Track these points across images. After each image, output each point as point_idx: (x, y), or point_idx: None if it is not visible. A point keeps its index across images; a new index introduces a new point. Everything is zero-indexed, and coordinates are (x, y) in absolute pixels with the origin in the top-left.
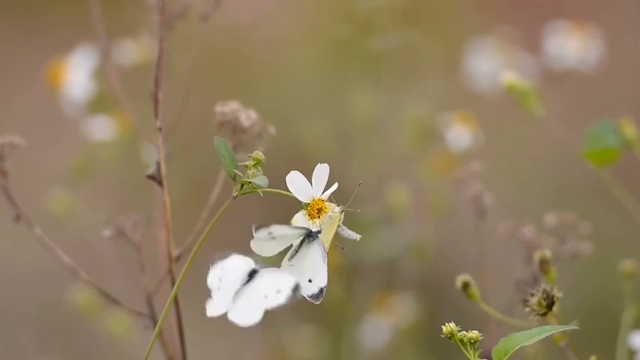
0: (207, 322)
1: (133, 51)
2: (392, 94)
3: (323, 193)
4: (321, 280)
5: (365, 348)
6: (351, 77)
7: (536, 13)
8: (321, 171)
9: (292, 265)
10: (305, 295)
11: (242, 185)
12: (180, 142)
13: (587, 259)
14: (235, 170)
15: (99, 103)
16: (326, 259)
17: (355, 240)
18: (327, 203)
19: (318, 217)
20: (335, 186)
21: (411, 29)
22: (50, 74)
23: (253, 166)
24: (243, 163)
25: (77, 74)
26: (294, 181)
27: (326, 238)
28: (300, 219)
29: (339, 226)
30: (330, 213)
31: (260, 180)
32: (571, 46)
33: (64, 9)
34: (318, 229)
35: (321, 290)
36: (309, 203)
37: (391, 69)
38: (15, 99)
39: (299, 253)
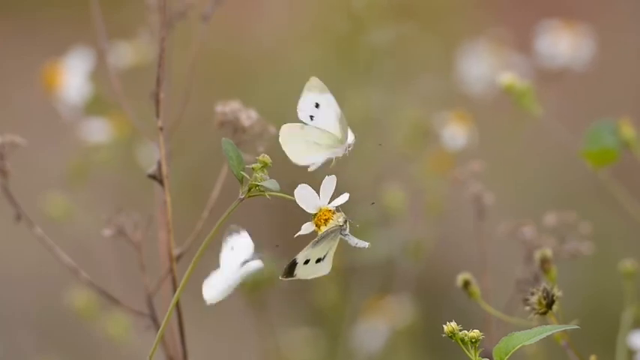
0: (208, 322)
1: (130, 52)
2: (389, 94)
3: (331, 202)
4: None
5: (361, 350)
6: (349, 77)
7: (537, 12)
8: (328, 183)
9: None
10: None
11: (249, 188)
12: (180, 141)
13: (587, 259)
14: (242, 172)
15: (95, 105)
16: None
17: (364, 247)
18: (333, 213)
19: (325, 226)
20: (346, 197)
21: (409, 27)
22: (46, 77)
23: (260, 169)
24: (249, 166)
25: (73, 77)
26: (302, 195)
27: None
28: (307, 228)
29: (345, 235)
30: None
31: (270, 183)
32: (562, 44)
33: (63, 8)
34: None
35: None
36: (316, 213)
37: (389, 68)
38: (13, 98)
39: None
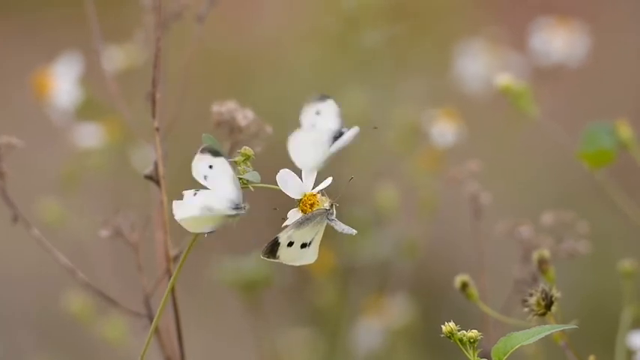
0: (206, 321)
1: (126, 53)
2: (387, 93)
3: (315, 188)
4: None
5: (359, 350)
6: (346, 77)
7: (536, 11)
8: None
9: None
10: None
11: None
12: (176, 142)
13: (586, 259)
14: None
15: (88, 109)
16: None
17: (351, 235)
18: (319, 197)
19: (311, 211)
20: (329, 180)
21: (407, 27)
22: (36, 82)
23: (243, 161)
24: (232, 159)
25: (63, 82)
26: (284, 179)
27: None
28: (293, 215)
29: (332, 220)
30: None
31: (251, 176)
32: (557, 41)
33: (63, 8)
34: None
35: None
36: (301, 199)
37: (387, 67)
38: (13, 98)
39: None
